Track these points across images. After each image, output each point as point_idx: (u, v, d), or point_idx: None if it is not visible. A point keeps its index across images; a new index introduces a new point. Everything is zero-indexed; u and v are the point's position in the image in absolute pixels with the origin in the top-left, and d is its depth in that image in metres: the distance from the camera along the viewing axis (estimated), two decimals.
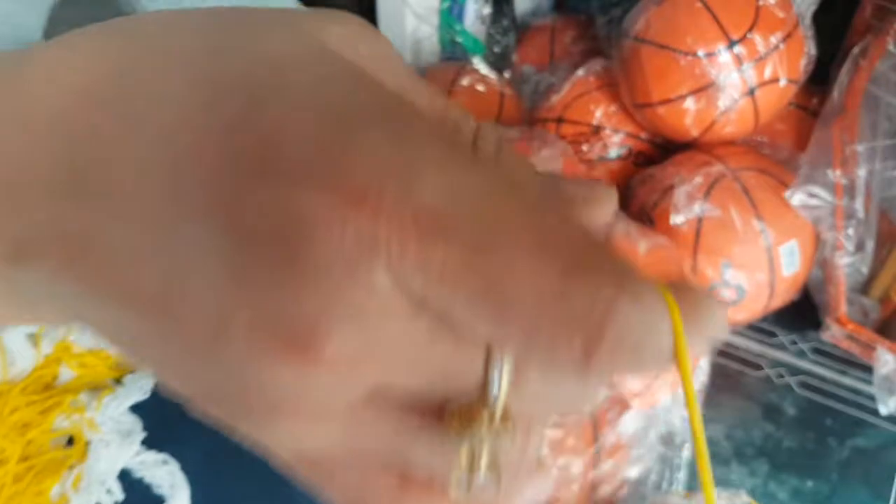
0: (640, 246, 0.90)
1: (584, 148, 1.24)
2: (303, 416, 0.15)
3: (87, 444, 0.48)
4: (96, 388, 0.49)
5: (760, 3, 1.02)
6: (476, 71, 1.41)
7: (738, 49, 1.02)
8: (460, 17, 1.54)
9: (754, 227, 1.00)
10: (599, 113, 1.24)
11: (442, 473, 0.16)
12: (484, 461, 0.16)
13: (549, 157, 1.12)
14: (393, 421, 0.16)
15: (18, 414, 0.47)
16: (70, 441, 0.50)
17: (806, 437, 1.02)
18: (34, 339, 0.49)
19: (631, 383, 0.87)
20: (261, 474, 0.44)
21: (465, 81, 1.38)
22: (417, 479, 0.17)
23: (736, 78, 1.03)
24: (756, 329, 1.13)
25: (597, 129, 1.24)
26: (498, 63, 1.53)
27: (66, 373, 0.49)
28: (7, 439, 0.47)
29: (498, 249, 0.14)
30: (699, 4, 1.05)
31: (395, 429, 0.16)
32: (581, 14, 1.62)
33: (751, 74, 1.03)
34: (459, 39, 1.52)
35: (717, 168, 1.05)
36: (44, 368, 0.50)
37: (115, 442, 0.47)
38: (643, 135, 1.23)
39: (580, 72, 1.30)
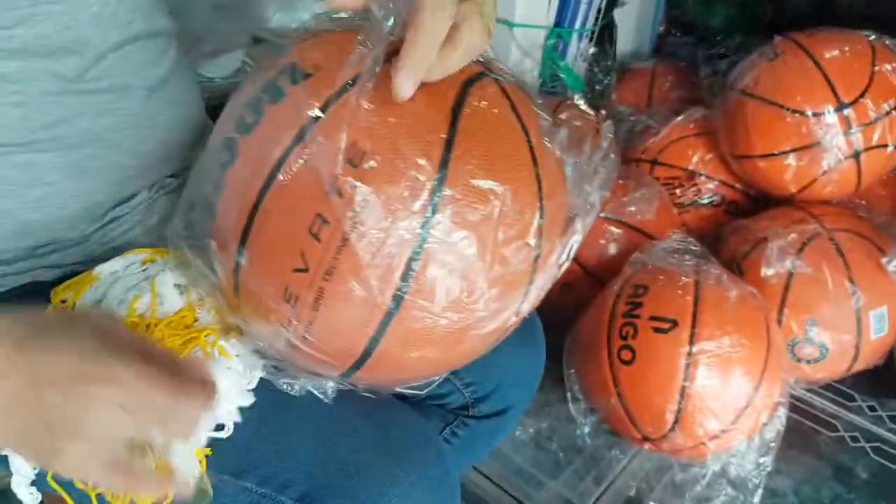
0: (730, 292, 0.92)
1: (677, 192, 1.27)
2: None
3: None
4: (228, 331, 0.55)
5: (876, 68, 1.04)
6: (575, 106, 1.46)
7: (847, 112, 1.04)
8: (564, 53, 1.60)
9: (845, 288, 1.01)
10: (696, 159, 1.27)
11: None
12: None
13: (644, 197, 1.15)
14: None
15: (163, 343, 0.53)
16: None
17: (876, 502, 1.01)
18: (182, 288, 0.55)
19: (709, 426, 0.89)
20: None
21: (563, 116, 1.43)
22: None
23: (842, 140, 1.05)
24: (835, 390, 1.13)
25: (691, 175, 1.27)
26: (596, 101, 1.58)
27: (205, 316, 0.55)
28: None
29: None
30: (812, 65, 1.07)
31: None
32: (681, 61, 1.66)
33: (858, 138, 1.05)
34: (561, 75, 1.57)
35: (812, 226, 1.06)
36: (187, 311, 0.56)
37: (239, 371, 0.53)
38: (738, 185, 1.25)
39: (679, 118, 1.33)
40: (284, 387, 0.52)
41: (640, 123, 1.46)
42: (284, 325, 0.47)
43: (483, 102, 0.47)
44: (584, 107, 1.47)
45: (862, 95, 1.03)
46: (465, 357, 0.52)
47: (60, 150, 0.54)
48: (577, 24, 1.57)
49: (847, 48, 1.06)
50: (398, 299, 0.45)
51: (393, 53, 0.44)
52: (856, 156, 1.06)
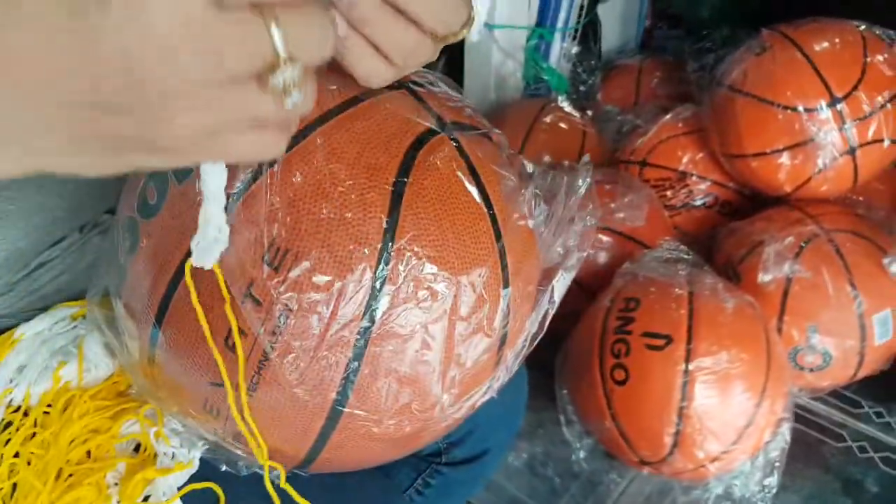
0: (727, 303, 0.87)
1: (668, 194, 1.22)
2: (183, 109, 0.25)
3: (155, 455, 0.49)
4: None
5: (868, 59, 0.99)
6: (559, 108, 1.41)
7: (840, 106, 0.99)
8: (546, 54, 1.55)
9: (847, 292, 0.96)
10: (686, 159, 1.22)
11: (275, 109, 0.27)
12: (292, 85, 0.26)
13: (633, 203, 1.10)
14: (234, 93, 0.26)
15: (87, 419, 0.48)
16: (137, 448, 0.51)
17: None
18: (111, 348, 0.51)
19: (710, 447, 0.84)
20: None
21: (547, 118, 1.38)
22: (266, 122, 0.28)
23: (836, 136, 1.00)
24: (840, 396, 1.08)
25: (682, 176, 1.22)
26: (581, 101, 1.53)
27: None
28: (72, 445, 0.48)
29: None
30: (801, 58, 1.02)
31: (238, 97, 0.26)
32: (668, 55, 1.61)
33: (853, 133, 1.00)
34: (544, 76, 1.52)
35: (810, 228, 1.01)
36: (119, 377, 0.51)
37: (182, 455, 0.48)
38: (731, 184, 1.20)
39: (668, 116, 1.28)
40: (225, 468, 0.47)
41: (628, 123, 1.41)
42: (208, 431, 0.42)
43: (432, 173, 0.40)
44: (568, 108, 1.42)
45: (855, 88, 0.98)
46: (425, 443, 0.47)
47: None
48: (560, 23, 1.52)
49: (837, 39, 1.01)
50: (336, 413, 0.39)
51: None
52: (851, 152, 1.01)
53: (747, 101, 1.06)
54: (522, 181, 0.44)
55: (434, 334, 0.39)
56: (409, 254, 0.38)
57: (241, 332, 0.37)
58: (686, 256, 0.99)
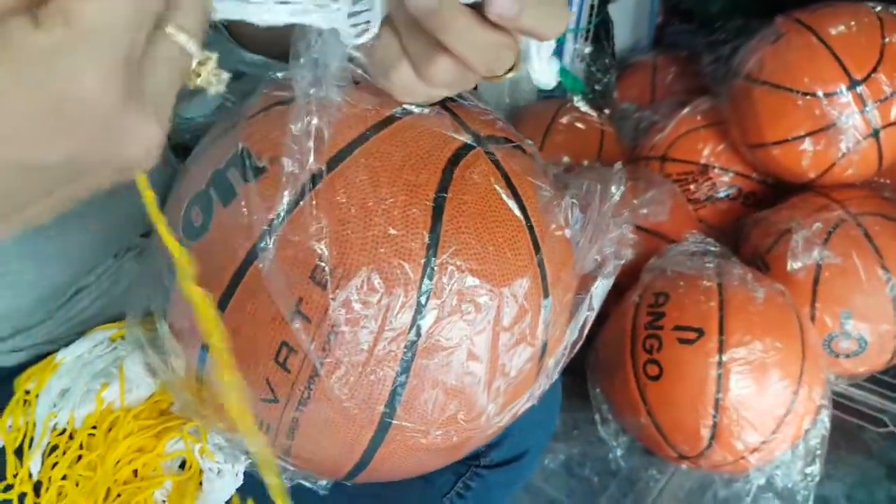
0: (757, 293, 0.87)
1: (692, 188, 1.21)
2: None
3: (200, 471, 0.50)
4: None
5: (887, 40, 0.98)
6: (576, 109, 1.41)
7: (860, 89, 0.98)
8: (560, 55, 1.55)
9: (879, 276, 0.95)
10: (707, 151, 1.22)
11: None
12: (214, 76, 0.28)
13: (656, 198, 1.10)
14: None
15: (132, 439, 0.49)
16: (182, 465, 0.52)
17: None
18: (153, 368, 0.52)
19: (749, 438, 0.84)
20: None
21: (564, 120, 1.38)
22: None
23: (858, 119, 0.99)
24: (877, 381, 1.06)
25: (704, 168, 1.22)
26: (598, 101, 1.53)
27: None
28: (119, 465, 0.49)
29: None
30: (817, 42, 1.02)
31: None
32: (682, 50, 1.60)
33: (875, 115, 0.99)
34: (559, 78, 1.53)
35: (836, 213, 1.01)
36: (161, 395, 0.52)
37: (227, 471, 0.49)
38: (754, 175, 1.20)
39: (686, 110, 1.28)
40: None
41: (646, 119, 1.41)
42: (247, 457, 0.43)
43: (471, 188, 0.40)
44: (585, 108, 1.42)
45: (874, 70, 0.97)
46: (470, 451, 0.47)
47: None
48: (571, 24, 1.53)
49: (853, 22, 1.00)
50: (384, 426, 0.40)
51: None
52: (875, 134, 1.00)
53: (765, 89, 1.06)
54: (558, 191, 0.45)
55: (479, 345, 0.39)
56: (451, 267, 0.38)
57: (291, 349, 0.38)
58: (713, 248, 0.99)
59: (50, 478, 0.48)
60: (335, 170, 0.39)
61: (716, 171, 1.21)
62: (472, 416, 0.42)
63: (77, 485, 0.49)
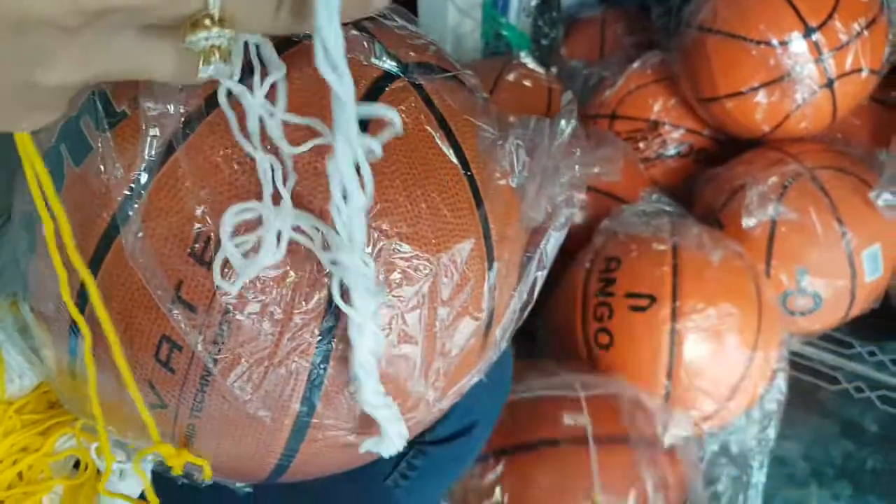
0: (713, 255, 0.83)
1: (641, 145, 1.17)
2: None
3: (98, 472, 0.44)
4: None
5: None
6: (522, 66, 1.34)
7: (815, 37, 0.94)
8: (504, 10, 1.48)
9: (835, 230, 0.92)
10: (657, 107, 1.17)
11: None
12: (215, 54, 0.21)
13: (607, 157, 1.05)
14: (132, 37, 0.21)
15: (14, 436, 0.43)
16: (77, 465, 0.45)
17: (891, 456, 0.93)
18: (35, 355, 0.45)
19: (703, 406, 0.80)
20: None
21: (510, 77, 1.32)
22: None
23: (813, 69, 0.95)
24: (831, 339, 1.04)
25: (654, 125, 1.17)
26: (545, 57, 1.46)
27: None
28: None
29: None
30: None
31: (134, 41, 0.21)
32: (631, 5, 1.54)
33: (830, 64, 0.95)
34: (504, 33, 1.46)
35: (791, 167, 0.97)
36: (49, 386, 0.45)
37: (129, 471, 0.42)
38: (706, 131, 1.15)
39: (635, 64, 1.23)
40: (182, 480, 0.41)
41: (594, 76, 1.36)
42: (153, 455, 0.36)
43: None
44: (532, 65, 1.36)
45: (830, 17, 0.93)
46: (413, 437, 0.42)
47: None
48: None
49: None
50: (302, 426, 0.34)
51: None
52: (829, 84, 0.96)
53: (718, 39, 1.01)
54: (501, 132, 0.38)
55: (412, 324, 0.33)
56: (376, 233, 0.32)
57: (175, 344, 0.31)
58: (668, 208, 0.95)
59: None
60: (214, 112, 0.31)
61: (666, 127, 1.16)
62: (408, 406, 0.36)
63: None
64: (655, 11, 1.29)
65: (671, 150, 1.17)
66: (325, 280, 0.31)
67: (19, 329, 0.44)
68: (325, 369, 0.32)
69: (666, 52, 1.19)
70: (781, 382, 0.86)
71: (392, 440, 0.34)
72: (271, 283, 0.31)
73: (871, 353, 1.03)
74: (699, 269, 0.82)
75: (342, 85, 0.20)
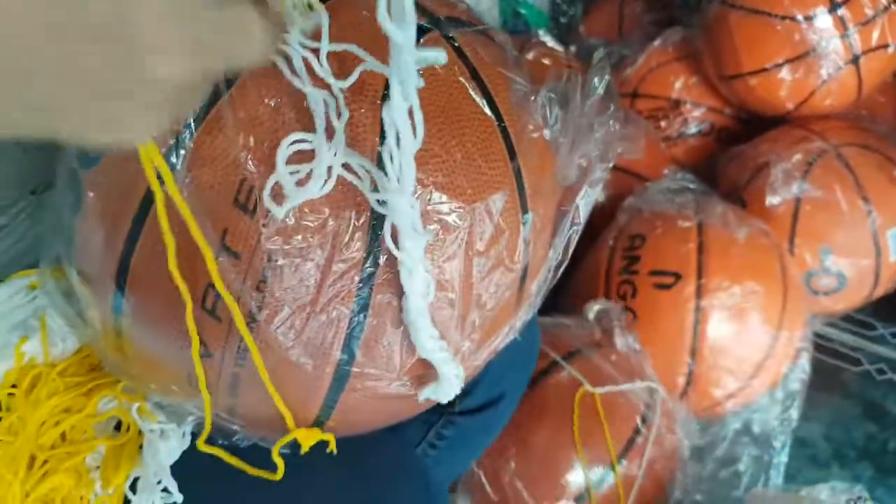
0: (738, 233, 0.82)
1: (662, 124, 1.16)
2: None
3: (140, 433, 0.44)
4: None
5: None
6: (541, 44, 1.33)
7: (841, 11, 0.92)
8: None
9: (860, 208, 0.91)
10: (679, 85, 1.15)
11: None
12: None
13: (629, 135, 1.04)
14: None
15: (57, 398, 0.44)
16: (118, 427, 0.46)
17: None
18: (79, 318, 0.45)
19: (726, 384, 0.80)
20: None
21: (529, 55, 1.30)
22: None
23: (838, 44, 0.93)
24: (853, 320, 1.03)
25: (676, 104, 1.16)
26: (563, 36, 1.45)
27: None
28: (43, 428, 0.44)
29: None
30: None
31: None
32: None
33: (855, 40, 0.93)
34: (522, 11, 1.44)
35: (816, 144, 0.96)
36: (91, 349, 0.46)
37: (172, 431, 0.43)
38: (727, 109, 1.14)
39: (656, 42, 1.21)
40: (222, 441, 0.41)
41: (615, 54, 1.34)
42: (197, 407, 0.36)
43: (430, 81, 0.33)
44: (551, 43, 1.34)
45: None
46: None
47: None
48: None
49: None
50: (343, 374, 0.34)
51: None
52: (855, 60, 0.94)
53: (742, 14, 0.99)
54: (533, 85, 0.38)
55: (449, 274, 0.33)
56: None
57: (219, 293, 0.31)
58: (692, 186, 0.94)
59: None
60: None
61: (687, 105, 1.15)
62: None
63: None
64: None
65: (692, 129, 1.16)
66: (366, 227, 0.31)
67: (62, 294, 0.44)
68: (364, 317, 0.33)
69: (687, 28, 1.17)
70: (805, 362, 0.86)
71: (451, 382, 0.34)
72: (313, 230, 0.31)
73: (894, 335, 1.02)
74: (725, 246, 0.81)
75: (403, 33, 0.20)
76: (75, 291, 0.41)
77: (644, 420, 0.70)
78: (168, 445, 0.43)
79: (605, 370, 0.71)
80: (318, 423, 0.37)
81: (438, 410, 0.65)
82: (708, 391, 0.81)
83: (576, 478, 0.67)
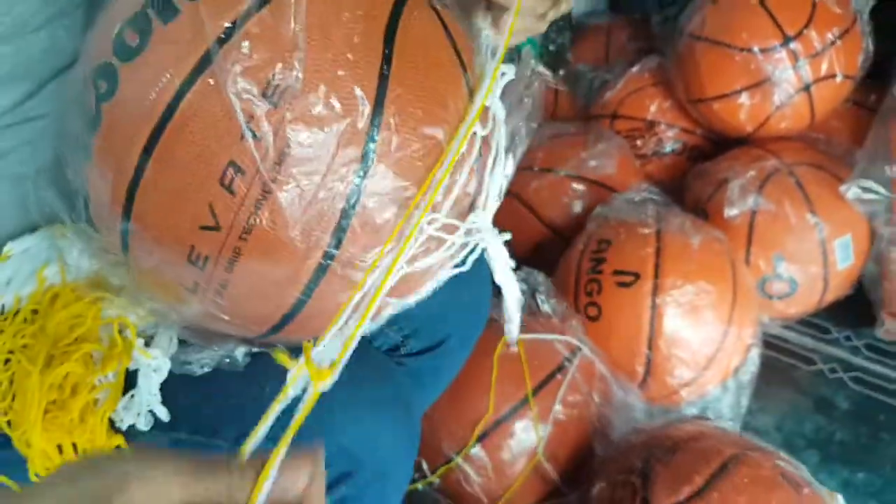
0: (693, 239, 0.92)
1: (639, 143, 1.26)
2: None
3: (129, 343, 0.50)
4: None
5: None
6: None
7: (793, 45, 1.03)
8: None
9: (808, 220, 1.01)
10: (654, 108, 1.26)
11: None
12: None
13: (604, 151, 1.14)
14: None
15: (70, 308, 0.51)
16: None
17: (858, 431, 1.02)
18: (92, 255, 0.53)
19: (681, 374, 0.89)
20: None
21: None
22: None
23: (791, 74, 1.04)
24: (809, 324, 1.13)
25: (651, 125, 1.26)
26: (552, 62, 1.56)
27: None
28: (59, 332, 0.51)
29: None
30: (755, 2, 1.06)
31: None
32: (636, 14, 1.63)
33: (806, 70, 1.04)
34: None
35: (771, 162, 1.06)
36: (97, 277, 0.53)
37: (165, 365, 0.50)
38: (698, 130, 1.25)
39: (635, 68, 1.32)
40: (188, 368, 0.49)
41: (599, 79, 1.45)
42: (189, 289, 0.41)
43: (417, 26, 0.41)
44: (540, 68, 1.45)
45: (806, 27, 1.02)
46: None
47: (8, 181, 0.53)
48: None
49: None
50: (329, 256, 0.40)
51: None
52: (806, 88, 1.05)
53: (706, 45, 1.10)
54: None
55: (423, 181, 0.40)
56: (402, 101, 0.39)
57: (239, 169, 0.37)
58: (655, 198, 1.04)
59: None
60: None
61: (662, 126, 1.25)
62: None
63: (24, 346, 0.50)
64: (655, 19, 1.38)
65: (667, 148, 1.27)
66: (364, 129, 0.38)
67: (80, 236, 0.51)
68: (354, 208, 0.39)
69: (663, 56, 1.28)
70: (755, 357, 0.95)
71: None
72: (326, 121, 0.37)
73: (847, 338, 1.12)
74: (680, 250, 0.91)
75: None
76: (88, 232, 0.47)
77: (560, 368, 0.83)
78: (160, 377, 0.50)
79: (532, 325, 0.86)
80: (292, 314, 0.42)
81: (386, 353, 0.67)
82: (664, 380, 0.91)
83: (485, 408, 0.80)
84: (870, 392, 1.05)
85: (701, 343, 0.90)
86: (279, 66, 0.37)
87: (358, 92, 0.38)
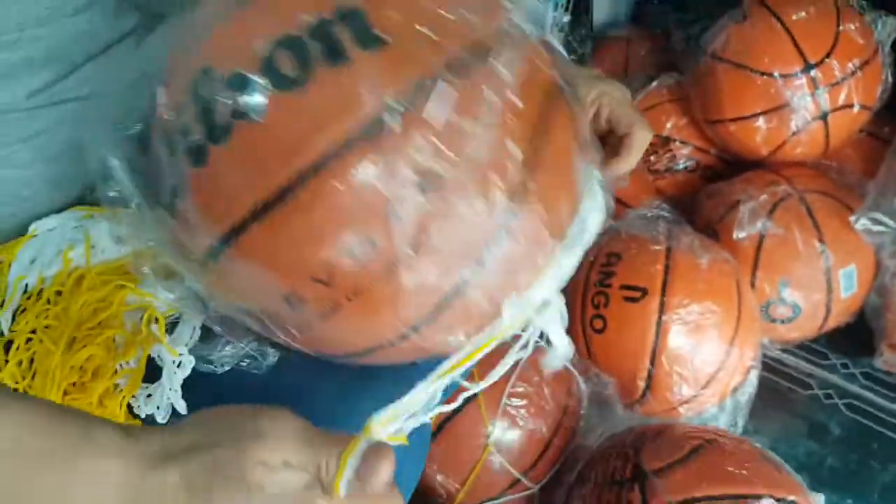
0: (702, 259, 0.93)
1: (653, 158, 1.27)
2: None
3: (154, 336, 0.52)
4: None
5: (841, 28, 1.04)
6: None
7: (814, 73, 1.04)
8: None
9: (815, 248, 1.02)
10: (670, 125, 1.27)
11: None
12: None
13: None
14: None
15: (95, 291, 0.52)
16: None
17: (849, 457, 1.03)
18: (121, 240, 0.55)
19: (681, 391, 0.91)
20: None
21: None
22: None
23: (809, 101, 1.05)
24: (808, 349, 1.14)
25: (666, 141, 1.27)
26: None
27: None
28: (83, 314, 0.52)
29: None
30: (779, 26, 1.07)
31: None
32: (658, 28, 1.64)
33: (825, 98, 1.05)
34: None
35: (783, 188, 1.07)
36: (124, 261, 0.55)
37: (189, 362, 0.52)
38: (712, 150, 1.26)
39: (653, 84, 1.33)
40: (209, 368, 0.51)
41: None
42: (270, 317, 0.41)
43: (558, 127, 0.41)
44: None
45: (828, 56, 1.03)
46: None
47: (41, 162, 0.54)
48: None
49: (812, 8, 1.06)
50: (415, 329, 0.40)
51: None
52: (823, 116, 1.06)
53: (727, 67, 1.11)
54: None
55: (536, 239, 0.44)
56: (536, 198, 0.41)
57: (372, 242, 0.37)
58: (666, 215, 1.05)
59: (16, 332, 0.51)
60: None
61: (676, 143, 1.26)
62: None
63: (46, 327, 0.51)
64: (675, 37, 1.39)
65: (680, 165, 1.28)
66: (500, 220, 0.39)
67: (108, 219, 0.54)
68: (458, 295, 0.39)
69: (682, 74, 1.29)
70: (754, 378, 0.97)
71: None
72: (462, 221, 0.38)
73: (844, 365, 1.13)
74: (688, 269, 0.92)
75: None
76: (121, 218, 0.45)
77: None
78: (184, 374, 0.51)
79: None
80: (353, 356, 0.44)
81: None
82: (665, 396, 0.92)
83: None
84: (863, 420, 1.07)
85: (703, 362, 0.91)
86: (436, 150, 0.35)
87: (499, 197, 0.37)
